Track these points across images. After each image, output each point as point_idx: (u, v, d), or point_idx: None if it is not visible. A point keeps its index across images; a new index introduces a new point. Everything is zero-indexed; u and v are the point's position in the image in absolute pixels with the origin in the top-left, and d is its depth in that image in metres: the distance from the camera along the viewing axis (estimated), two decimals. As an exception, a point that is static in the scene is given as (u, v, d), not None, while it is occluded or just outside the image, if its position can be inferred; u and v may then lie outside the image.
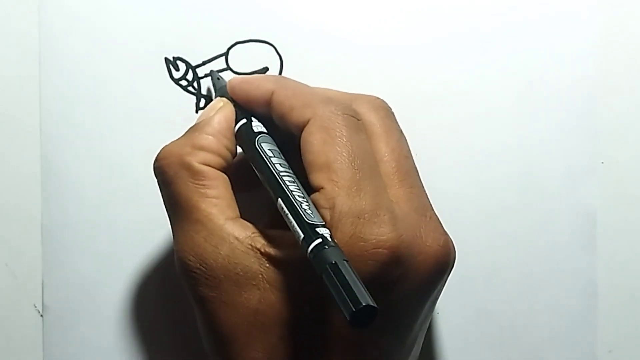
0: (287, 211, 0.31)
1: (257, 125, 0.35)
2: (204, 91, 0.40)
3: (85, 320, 0.40)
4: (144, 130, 0.40)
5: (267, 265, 0.32)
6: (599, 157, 0.40)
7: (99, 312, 0.40)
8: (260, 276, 0.31)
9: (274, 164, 0.33)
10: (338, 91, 0.36)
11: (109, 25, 0.40)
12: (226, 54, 0.40)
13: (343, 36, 0.40)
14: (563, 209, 0.40)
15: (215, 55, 0.40)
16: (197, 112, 0.40)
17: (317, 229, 0.30)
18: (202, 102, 0.40)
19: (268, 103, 0.34)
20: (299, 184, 0.32)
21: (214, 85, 0.39)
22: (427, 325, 0.36)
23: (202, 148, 0.34)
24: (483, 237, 0.40)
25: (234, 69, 0.40)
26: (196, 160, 0.33)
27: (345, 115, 0.33)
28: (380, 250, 0.30)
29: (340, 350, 0.30)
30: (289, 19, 0.40)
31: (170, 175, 0.33)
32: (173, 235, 0.34)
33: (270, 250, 0.32)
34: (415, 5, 0.40)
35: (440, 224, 0.34)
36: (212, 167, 0.33)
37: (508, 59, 0.40)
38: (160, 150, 0.34)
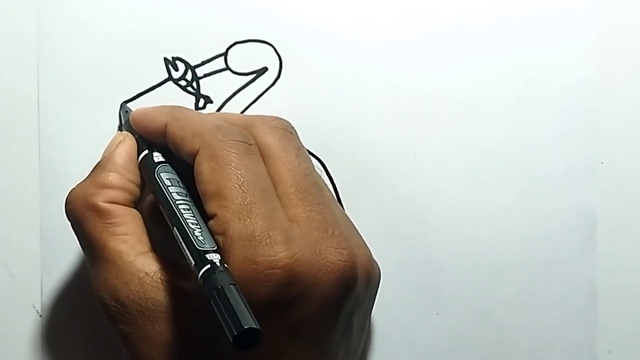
0: (180, 239, 0.32)
1: (157, 156, 0.35)
2: (203, 91, 0.40)
3: (84, 320, 0.40)
4: (143, 130, 0.40)
5: (177, 297, 0.32)
6: (598, 157, 0.40)
7: (97, 312, 0.40)
8: (171, 309, 0.32)
9: (170, 193, 0.33)
10: (235, 115, 0.37)
11: (108, 25, 0.40)
12: (225, 54, 0.40)
13: (342, 36, 0.40)
14: (563, 209, 0.40)
15: (214, 55, 0.40)
16: (196, 112, 0.40)
17: (208, 255, 0.30)
18: (201, 102, 0.40)
19: (164, 135, 0.35)
20: (196, 212, 0.33)
21: (120, 118, 0.39)
22: (359, 341, 0.36)
23: (105, 186, 0.34)
24: (482, 237, 0.40)
25: (233, 69, 0.40)
26: (101, 199, 0.34)
27: (232, 142, 0.33)
28: (273, 270, 0.31)
29: None
30: (288, 19, 0.40)
31: (78, 218, 0.34)
32: (90, 275, 0.34)
33: (178, 282, 0.32)
34: (415, 5, 0.40)
35: (346, 238, 0.34)
36: (119, 203, 0.34)
37: (508, 59, 0.40)
38: (68, 194, 0.35)
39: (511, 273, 0.40)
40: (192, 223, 0.32)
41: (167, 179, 0.34)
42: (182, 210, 0.33)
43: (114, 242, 0.33)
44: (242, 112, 0.40)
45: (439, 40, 0.40)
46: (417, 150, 0.40)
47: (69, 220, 0.35)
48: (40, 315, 0.40)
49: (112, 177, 0.35)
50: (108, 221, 0.34)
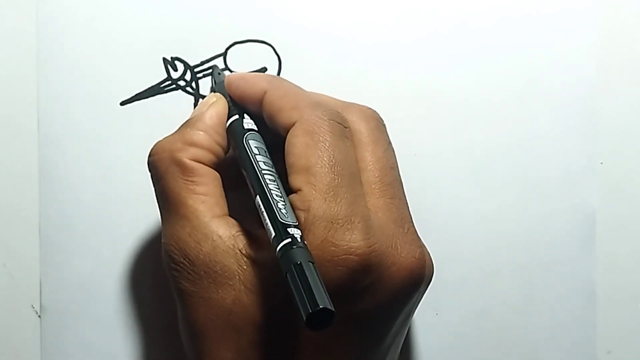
0: (262, 208, 0.31)
1: (248, 123, 0.35)
2: (202, 91, 0.40)
3: (83, 320, 0.40)
4: (142, 130, 0.40)
5: (245, 266, 0.32)
6: (597, 158, 0.40)
7: (96, 313, 0.40)
8: (237, 277, 0.32)
9: (257, 162, 0.33)
10: (331, 97, 0.37)
11: (107, 25, 0.40)
12: (224, 54, 0.40)
13: (341, 36, 0.40)
14: (562, 209, 0.40)
15: (213, 55, 0.40)
16: (195, 112, 0.40)
17: (289, 229, 0.30)
18: (200, 102, 0.40)
19: (260, 102, 0.35)
20: (280, 184, 0.32)
21: (213, 80, 0.39)
22: (403, 337, 0.36)
23: (193, 144, 0.34)
24: (482, 238, 0.40)
25: (233, 69, 0.40)
26: (187, 156, 0.34)
27: (331, 121, 0.33)
28: (350, 256, 0.31)
29: (309, 356, 0.30)
30: (287, 19, 0.40)
31: (161, 171, 0.34)
32: (162, 229, 0.34)
33: (250, 251, 0.32)
34: (414, 4, 0.40)
35: (418, 237, 0.34)
36: (203, 163, 0.34)
37: (508, 59, 0.40)
38: (154, 146, 0.35)
39: (511, 273, 0.40)
40: (276, 195, 0.31)
41: (255, 147, 0.34)
42: (268, 181, 0.32)
43: (192, 200, 0.33)
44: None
45: (439, 40, 0.40)
46: (416, 151, 0.40)
47: (150, 171, 0.35)
48: (39, 316, 0.40)
49: (200, 136, 0.34)
50: (190, 179, 0.33)
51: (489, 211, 0.40)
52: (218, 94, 0.37)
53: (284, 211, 0.31)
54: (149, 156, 0.35)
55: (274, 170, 0.33)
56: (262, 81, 0.35)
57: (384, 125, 0.36)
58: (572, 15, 0.40)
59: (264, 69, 0.40)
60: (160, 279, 0.40)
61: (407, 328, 0.36)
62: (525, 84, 0.40)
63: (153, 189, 0.35)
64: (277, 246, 0.30)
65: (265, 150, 0.34)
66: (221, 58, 0.40)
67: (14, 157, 0.40)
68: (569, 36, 0.40)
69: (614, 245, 0.40)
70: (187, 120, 0.36)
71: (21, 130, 0.40)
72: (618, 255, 0.40)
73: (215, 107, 0.36)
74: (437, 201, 0.40)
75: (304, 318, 0.27)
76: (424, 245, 0.34)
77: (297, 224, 0.31)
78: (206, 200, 0.33)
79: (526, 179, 0.40)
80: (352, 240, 0.31)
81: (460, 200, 0.40)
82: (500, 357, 0.40)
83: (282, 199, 0.31)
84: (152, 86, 0.40)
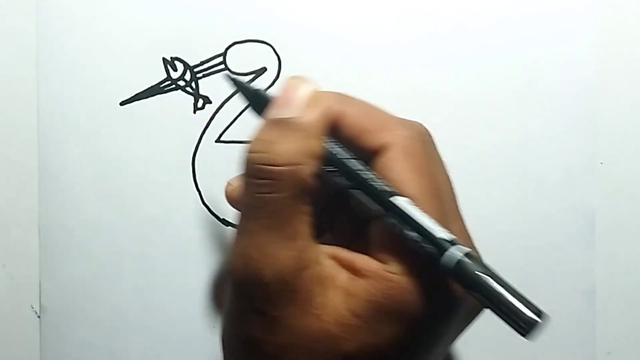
0: (409, 226, 0.29)
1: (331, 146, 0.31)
2: (202, 91, 0.40)
3: (83, 321, 0.40)
4: (141, 130, 0.40)
5: (337, 294, 0.30)
6: (597, 158, 0.40)
7: (96, 313, 0.40)
8: (330, 305, 0.29)
9: (374, 179, 0.30)
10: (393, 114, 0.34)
11: (106, 26, 0.40)
12: (224, 54, 0.40)
13: (341, 35, 0.40)
14: (562, 209, 0.40)
15: (213, 55, 0.40)
16: (194, 112, 0.40)
17: (450, 241, 0.28)
18: (200, 102, 0.40)
19: (333, 123, 0.31)
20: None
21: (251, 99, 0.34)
22: None
23: (314, 156, 0.30)
24: (481, 238, 0.40)
25: (232, 69, 0.40)
26: (310, 171, 0.30)
27: (425, 142, 0.31)
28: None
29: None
30: (287, 19, 0.40)
31: (275, 185, 0.30)
32: (244, 240, 0.30)
33: (347, 281, 0.30)
34: (414, 5, 0.40)
35: None
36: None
37: (508, 59, 0.40)
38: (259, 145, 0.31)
39: (510, 273, 0.40)
40: (421, 220, 0.29)
41: (360, 164, 0.31)
42: (411, 210, 0.29)
43: (299, 220, 0.30)
44: (242, 112, 0.40)
45: (439, 40, 0.40)
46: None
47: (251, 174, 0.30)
48: (39, 316, 0.40)
49: (318, 147, 0.30)
50: (305, 198, 0.30)
51: (489, 211, 0.40)
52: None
53: (430, 225, 0.29)
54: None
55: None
56: (333, 101, 0.32)
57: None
58: (572, 15, 0.40)
59: (263, 69, 0.40)
60: (158, 278, 0.40)
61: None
62: (525, 84, 0.40)
63: (244, 193, 0.31)
64: (452, 261, 0.28)
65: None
66: (221, 58, 0.40)
67: (14, 158, 0.40)
68: (569, 36, 0.40)
69: (614, 245, 0.40)
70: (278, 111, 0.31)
71: (21, 131, 0.40)
72: (618, 256, 0.40)
73: (317, 103, 0.31)
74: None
75: (522, 332, 0.27)
76: None
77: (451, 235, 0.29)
78: (309, 222, 0.30)
79: (526, 179, 0.40)
80: None
81: (460, 200, 0.40)
82: (500, 358, 0.40)
83: (427, 219, 0.29)
84: (152, 86, 0.40)
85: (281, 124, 0.30)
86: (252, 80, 0.40)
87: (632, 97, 0.40)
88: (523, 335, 0.26)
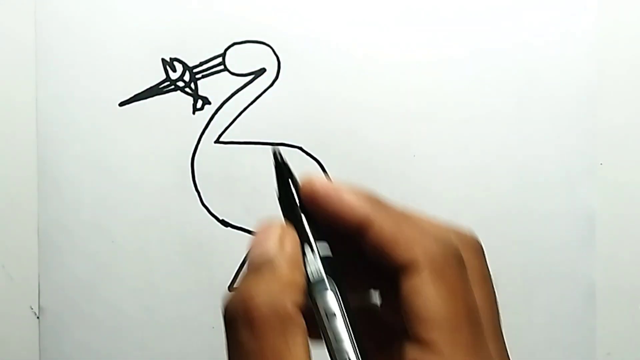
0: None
1: (314, 266, 0.29)
2: (201, 92, 0.40)
3: (81, 321, 0.40)
4: (140, 131, 0.40)
5: None
6: (597, 159, 0.40)
7: (94, 314, 0.40)
8: None
9: (339, 339, 0.28)
10: (431, 220, 0.31)
11: (105, 27, 0.40)
12: (223, 55, 0.39)
13: (341, 36, 0.40)
14: (562, 210, 0.40)
15: (212, 56, 0.39)
16: (193, 113, 0.40)
17: None
18: (199, 103, 0.40)
19: (358, 228, 0.29)
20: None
21: (279, 175, 0.30)
22: None
23: (296, 287, 0.28)
24: (481, 239, 0.40)
25: (232, 70, 0.40)
26: (291, 304, 0.28)
27: (458, 264, 0.29)
28: None
29: None
30: (286, 20, 0.39)
31: (260, 328, 0.28)
32: None
33: None
34: (414, 6, 0.40)
35: None
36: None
37: (507, 61, 0.40)
38: (240, 294, 0.29)
39: (510, 275, 0.40)
40: None
41: (332, 305, 0.28)
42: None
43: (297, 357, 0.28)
44: (241, 113, 0.40)
45: (438, 41, 0.40)
46: (415, 151, 0.40)
47: (230, 325, 0.29)
48: (38, 317, 0.40)
49: (299, 277, 0.28)
50: (295, 330, 0.28)
51: (489, 212, 0.40)
52: (286, 226, 0.29)
53: None
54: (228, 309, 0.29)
55: (353, 334, 0.28)
56: (365, 203, 0.29)
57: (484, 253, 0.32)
58: (572, 16, 0.40)
59: (263, 70, 0.39)
60: (158, 279, 0.40)
61: None
62: (524, 85, 0.40)
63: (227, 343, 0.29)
64: None
65: (342, 304, 0.29)
66: (220, 58, 0.40)
67: (13, 159, 0.40)
68: (569, 37, 0.40)
69: (614, 246, 0.40)
70: (261, 255, 0.29)
71: (20, 132, 0.40)
72: (617, 256, 0.40)
73: (289, 239, 0.29)
74: (436, 202, 0.40)
75: None
76: None
77: None
78: (306, 353, 0.28)
79: (526, 180, 0.40)
80: None
81: (460, 202, 0.40)
82: (499, 358, 0.40)
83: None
84: (151, 87, 0.40)
85: (254, 270, 0.29)
86: (252, 81, 0.40)
87: (632, 97, 0.40)
88: None
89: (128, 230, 0.40)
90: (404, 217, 0.29)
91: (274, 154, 0.30)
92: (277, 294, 0.28)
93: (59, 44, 0.40)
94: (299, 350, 0.27)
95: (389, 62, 0.40)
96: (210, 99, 0.40)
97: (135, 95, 0.40)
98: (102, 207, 0.40)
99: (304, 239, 0.29)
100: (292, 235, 0.29)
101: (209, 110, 0.39)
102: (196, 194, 0.40)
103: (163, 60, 0.40)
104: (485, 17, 0.40)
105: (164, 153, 0.39)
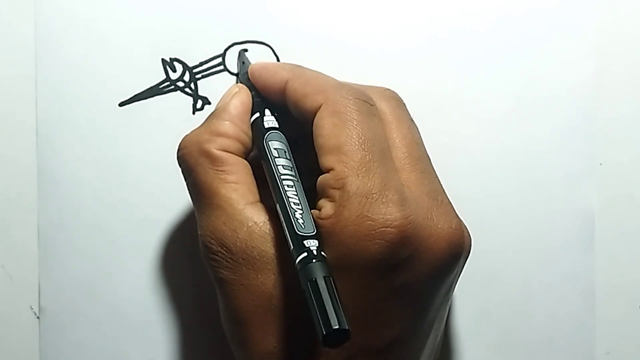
0: (282, 218, 0.32)
1: (269, 120, 0.35)
2: (201, 92, 0.40)
3: (82, 322, 0.40)
4: (140, 131, 0.40)
5: (281, 249, 0.32)
6: (597, 159, 0.40)
7: (95, 314, 0.40)
8: (275, 261, 0.32)
9: (276, 165, 0.33)
10: (352, 83, 0.37)
11: (105, 26, 0.40)
12: (223, 55, 0.40)
13: (340, 37, 0.40)
14: (561, 210, 0.40)
15: (212, 56, 0.40)
16: (193, 113, 0.40)
17: (305, 241, 0.30)
18: (199, 103, 0.40)
19: (283, 91, 0.35)
20: (299, 189, 0.32)
21: (239, 68, 0.39)
22: (446, 312, 0.36)
23: (220, 134, 0.34)
24: (481, 239, 0.40)
25: (231, 70, 0.40)
26: (215, 147, 0.34)
27: (357, 100, 0.33)
28: (387, 229, 0.31)
29: (353, 333, 0.29)
30: (286, 20, 0.40)
31: (191, 164, 0.34)
32: (197, 221, 0.34)
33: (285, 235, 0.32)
34: (413, 6, 0.40)
35: (453, 209, 0.34)
36: (231, 152, 0.34)
37: (507, 60, 0.40)
38: (182, 140, 0.35)
39: (510, 274, 0.40)
40: (294, 202, 0.32)
41: (275, 148, 0.34)
42: (286, 187, 0.32)
43: (225, 189, 0.33)
44: (240, 113, 0.40)
45: (438, 41, 0.40)
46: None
47: (180, 166, 0.35)
48: (38, 317, 0.40)
49: (227, 126, 0.35)
50: (220, 168, 0.34)
51: (489, 212, 0.40)
52: (240, 84, 0.37)
53: (300, 221, 0.31)
54: (178, 150, 0.35)
55: (293, 172, 0.33)
56: (284, 70, 0.35)
57: (404, 104, 0.37)
58: (571, 16, 0.40)
59: (262, 70, 0.40)
60: (158, 279, 0.40)
61: (449, 302, 0.36)
62: (524, 85, 0.40)
63: (185, 182, 0.35)
64: (296, 260, 0.30)
65: (287, 149, 0.34)
66: (220, 59, 0.40)
67: (13, 158, 0.40)
68: (568, 37, 0.40)
69: (613, 246, 0.40)
70: (212, 112, 0.36)
71: (20, 131, 0.40)
72: (617, 257, 0.40)
73: (238, 96, 0.36)
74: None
75: (320, 338, 0.28)
76: (459, 216, 0.34)
77: (314, 233, 0.31)
78: (238, 189, 0.33)
79: (525, 180, 0.40)
80: (387, 213, 0.31)
81: (460, 201, 0.40)
82: (499, 358, 0.40)
83: (299, 207, 0.31)
84: (151, 87, 0.40)
85: (206, 118, 0.36)
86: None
87: (631, 97, 0.40)
88: (322, 339, 0.28)
89: (128, 230, 0.40)
90: (315, 76, 0.35)
91: (239, 53, 0.38)
92: (205, 137, 0.34)
93: (59, 44, 0.40)
94: (227, 186, 0.33)
95: (389, 63, 0.40)
96: (210, 99, 0.40)
97: (135, 96, 0.40)
98: (102, 207, 0.40)
99: (256, 108, 0.35)
100: (243, 94, 0.36)
101: (209, 110, 0.39)
102: (196, 194, 0.40)
103: (163, 60, 0.40)
104: (484, 18, 0.40)
105: (164, 153, 0.39)
